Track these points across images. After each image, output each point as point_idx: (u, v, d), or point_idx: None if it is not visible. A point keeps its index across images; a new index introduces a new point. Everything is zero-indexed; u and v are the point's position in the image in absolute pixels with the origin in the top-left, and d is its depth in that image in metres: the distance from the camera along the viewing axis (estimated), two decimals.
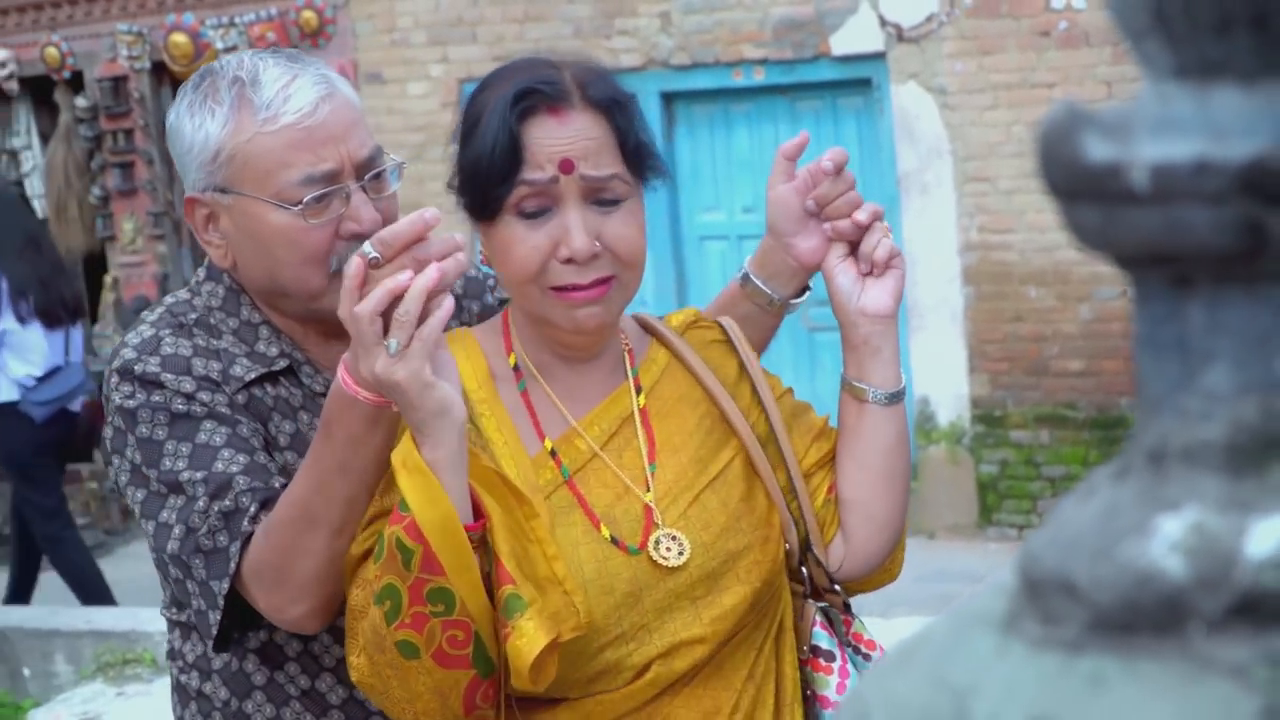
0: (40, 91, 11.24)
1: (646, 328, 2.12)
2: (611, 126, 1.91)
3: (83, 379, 7.22)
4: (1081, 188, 0.64)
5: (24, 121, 11.48)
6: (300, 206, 1.96)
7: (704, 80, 9.19)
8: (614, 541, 1.93)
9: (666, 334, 2.08)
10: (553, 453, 1.97)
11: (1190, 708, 0.58)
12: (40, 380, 7.12)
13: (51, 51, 10.91)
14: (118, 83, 10.93)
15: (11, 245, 6.98)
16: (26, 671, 7.63)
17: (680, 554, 1.93)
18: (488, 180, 1.87)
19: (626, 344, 2.06)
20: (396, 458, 1.77)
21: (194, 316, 2.09)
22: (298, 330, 2.12)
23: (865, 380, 2.09)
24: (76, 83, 11.07)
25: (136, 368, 2.00)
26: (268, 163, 1.96)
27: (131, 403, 1.99)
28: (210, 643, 1.96)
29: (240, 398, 2.03)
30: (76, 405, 7.28)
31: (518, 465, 1.93)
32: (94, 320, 11.40)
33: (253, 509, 1.92)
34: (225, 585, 1.91)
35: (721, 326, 2.14)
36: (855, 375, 2.10)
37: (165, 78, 10.98)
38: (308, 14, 10.42)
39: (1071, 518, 0.66)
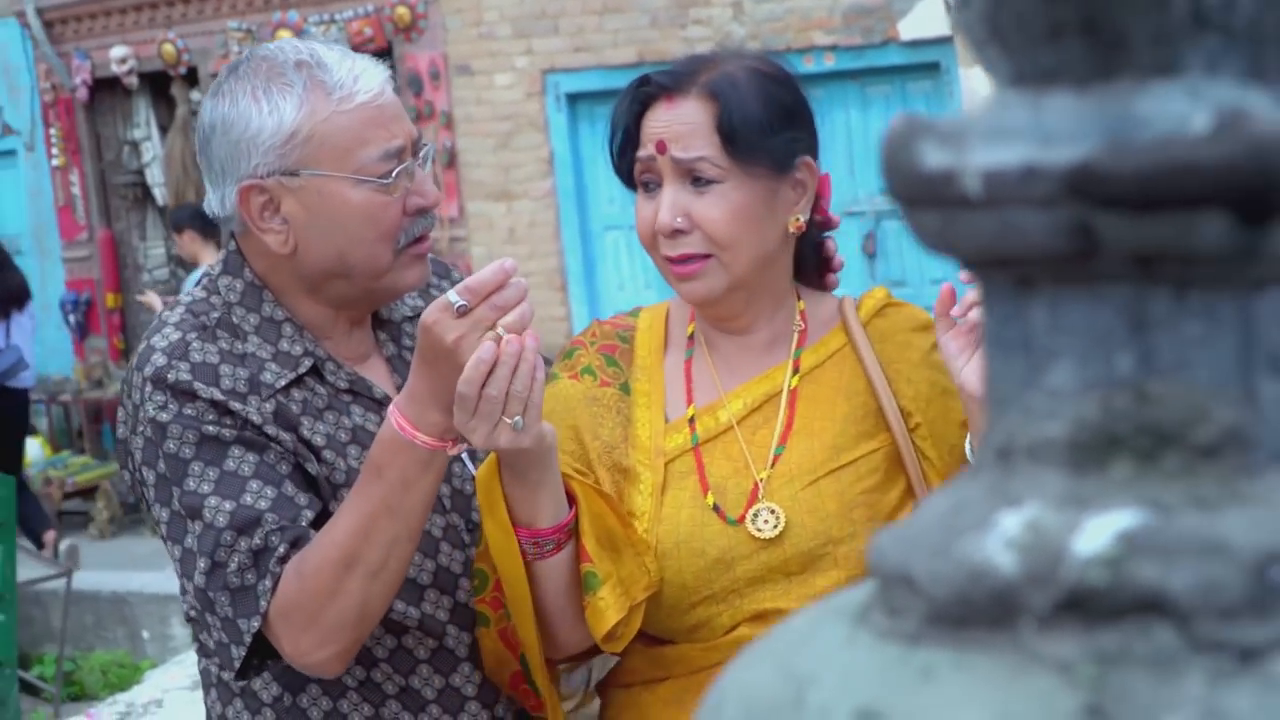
0: (158, 86, 11.41)
1: (841, 312, 2.10)
2: (715, 113, 1.94)
3: (19, 358, 7.75)
4: (920, 194, 0.62)
5: (143, 114, 11.67)
6: (385, 179, 1.93)
7: None
8: (715, 509, 1.97)
9: (851, 321, 2.06)
10: (691, 419, 2.03)
11: (1013, 701, 0.56)
12: None
13: (168, 48, 11.07)
14: None
15: None
16: (145, 634, 7.80)
17: (775, 528, 1.95)
18: (616, 154, 2.02)
19: (801, 324, 2.06)
20: (486, 506, 1.90)
21: (215, 316, 2.00)
22: (323, 324, 2.04)
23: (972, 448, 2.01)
24: (191, 77, 11.22)
25: (170, 376, 1.90)
26: (346, 140, 1.91)
27: (165, 415, 1.89)
28: (232, 673, 1.89)
29: (269, 405, 1.93)
30: (19, 382, 7.80)
31: (651, 430, 2.03)
32: None
33: (282, 549, 1.83)
34: (255, 624, 1.83)
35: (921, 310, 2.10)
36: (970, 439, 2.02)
37: None
38: (401, 10, 10.48)
39: (924, 513, 0.64)
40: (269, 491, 1.87)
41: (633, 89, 2.01)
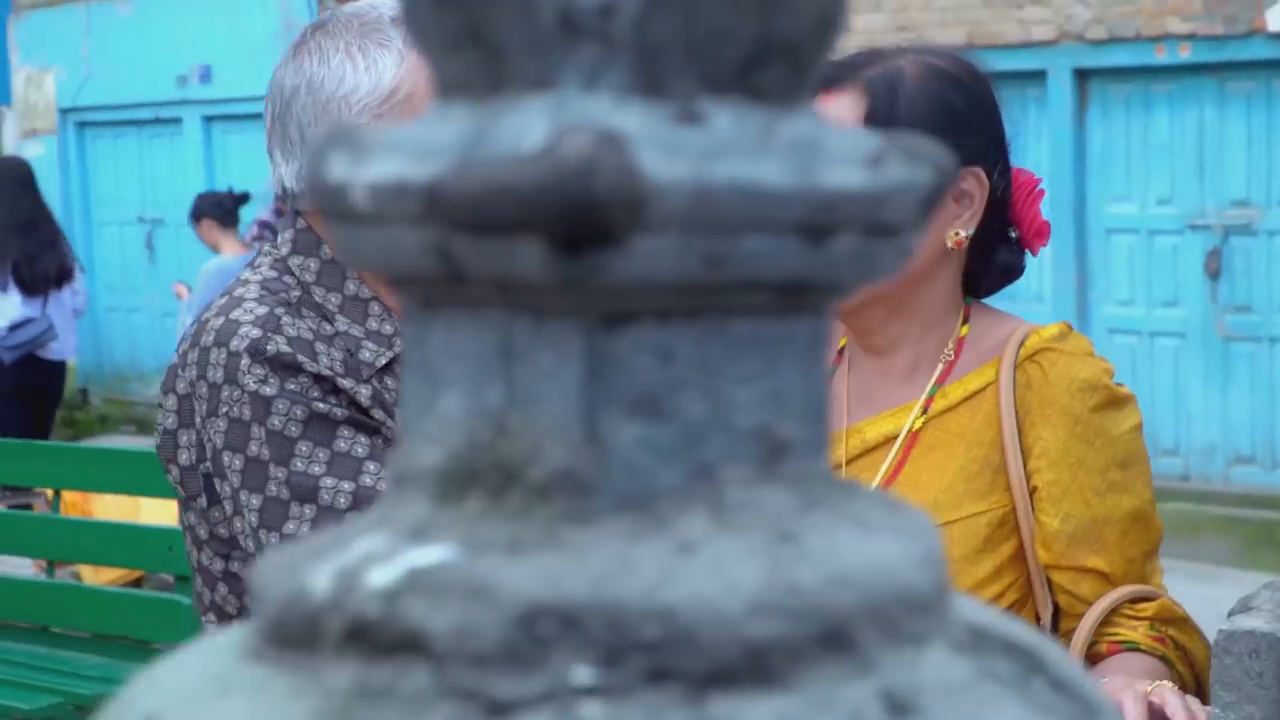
0: None
1: (1005, 345, 2.03)
2: (866, 110, 1.94)
3: (47, 327, 8.79)
4: (328, 206, 0.68)
5: None
6: None
7: (1122, 56, 8.87)
8: None
9: (1006, 359, 1.99)
10: None
11: None
12: (11, 330, 8.91)
13: None
14: None
15: (12, 223, 8.66)
16: None
17: None
18: None
19: (951, 354, 2.02)
20: None
21: (296, 295, 2.01)
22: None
23: None
24: None
25: (268, 348, 1.90)
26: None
27: (268, 389, 1.89)
28: None
29: (365, 389, 1.95)
30: (50, 353, 8.92)
31: None
32: None
33: None
34: None
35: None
36: None
37: None
38: None
39: (329, 533, 0.70)
40: (386, 474, 1.86)
41: None
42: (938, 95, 1.96)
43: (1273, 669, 1.94)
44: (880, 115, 1.93)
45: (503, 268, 0.62)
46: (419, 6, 0.67)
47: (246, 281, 2.04)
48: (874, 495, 0.69)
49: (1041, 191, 2.07)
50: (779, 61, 0.64)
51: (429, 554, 0.63)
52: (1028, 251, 2.09)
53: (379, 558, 0.64)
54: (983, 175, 1.98)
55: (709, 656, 0.60)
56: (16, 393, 8.91)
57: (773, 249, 0.63)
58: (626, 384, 0.64)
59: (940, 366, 2.01)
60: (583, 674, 0.60)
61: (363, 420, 1.92)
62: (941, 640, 0.66)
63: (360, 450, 1.90)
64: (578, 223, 0.59)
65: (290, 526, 1.88)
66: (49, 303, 9.05)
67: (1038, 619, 2.00)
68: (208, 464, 1.96)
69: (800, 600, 0.61)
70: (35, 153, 13.29)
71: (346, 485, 1.88)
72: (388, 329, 2.01)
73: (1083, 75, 9.08)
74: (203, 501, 2.00)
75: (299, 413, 1.89)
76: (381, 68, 1.96)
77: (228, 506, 1.96)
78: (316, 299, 2.01)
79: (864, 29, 9.95)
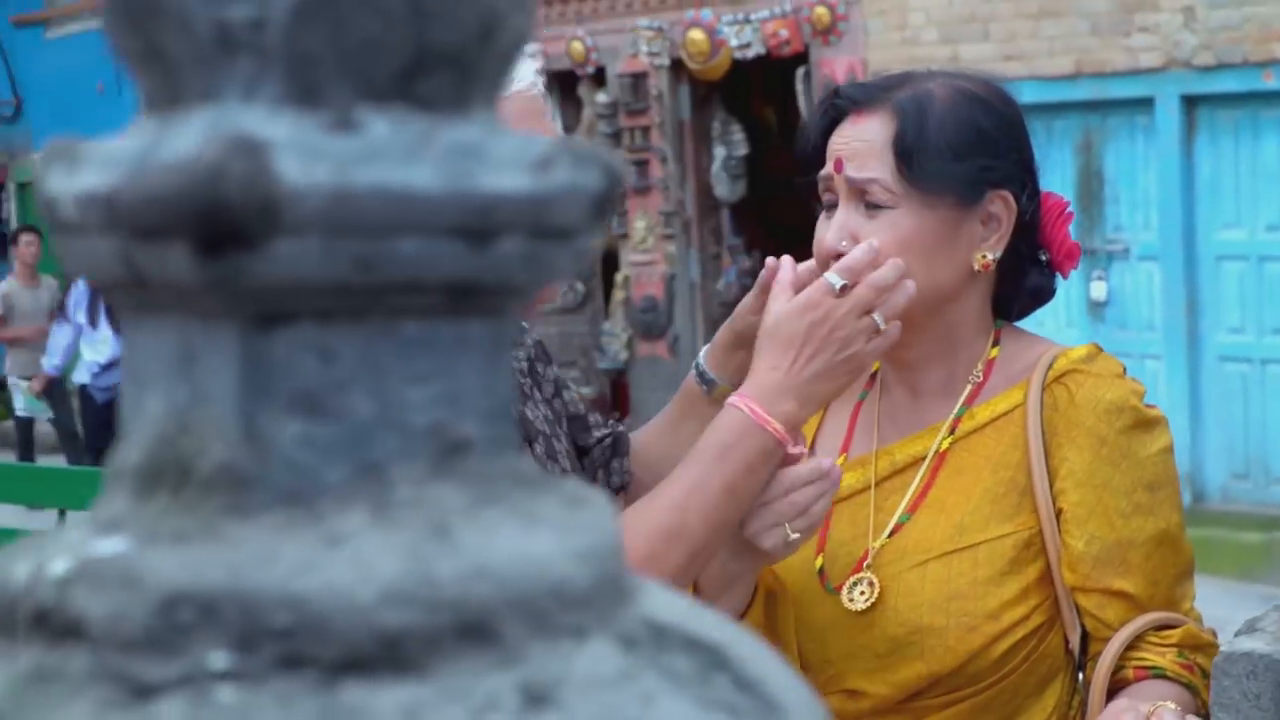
0: (565, 86, 12.03)
1: (1037, 366, 2.04)
2: (895, 132, 1.96)
3: None
4: (49, 219, 0.71)
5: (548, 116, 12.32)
6: None
7: (1230, 82, 8.72)
8: (820, 573, 2.01)
9: (1034, 380, 2.00)
10: None
11: None
12: (104, 368, 9.26)
13: (577, 46, 11.68)
14: (637, 79, 11.55)
15: None
16: None
17: (867, 600, 1.96)
18: (803, 171, 2.05)
19: (979, 376, 2.03)
20: None
21: None
22: None
23: None
24: (599, 78, 11.78)
25: None
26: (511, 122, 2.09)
27: None
28: None
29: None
30: None
31: None
32: (605, 316, 12.07)
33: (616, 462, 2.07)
34: None
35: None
36: None
37: (683, 75, 11.51)
38: (820, 10, 10.66)
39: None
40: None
41: (824, 101, 2.05)
42: (966, 118, 1.96)
43: (1270, 690, 1.90)
44: (909, 137, 1.94)
45: (165, 272, 0.65)
46: (113, 30, 0.70)
47: None
48: (560, 492, 0.70)
49: (1070, 214, 2.06)
50: (441, 70, 0.66)
51: (105, 545, 0.66)
52: (1059, 274, 2.08)
53: (66, 549, 0.67)
54: (1010, 198, 1.97)
55: (341, 644, 0.62)
56: (109, 430, 9.29)
57: (430, 252, 0.65)
58: (286, 383, 0.66)
59: (969, 388, 2.01)
60: (218, 659, 0.62)
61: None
62: (605, 634, 0.67)
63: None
64: (213, 226, 0.62)
65: None
66: None
67: (1066, 642, 1.99)
68: None
69: (436, 591, 0.63)
70: None
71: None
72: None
73: (1190, 102, 8.94)
74: None
75: None
76: None
77: None
78: None
79: (973, 58, 9.89)
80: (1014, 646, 1.94)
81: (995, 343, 2.04)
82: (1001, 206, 1.97)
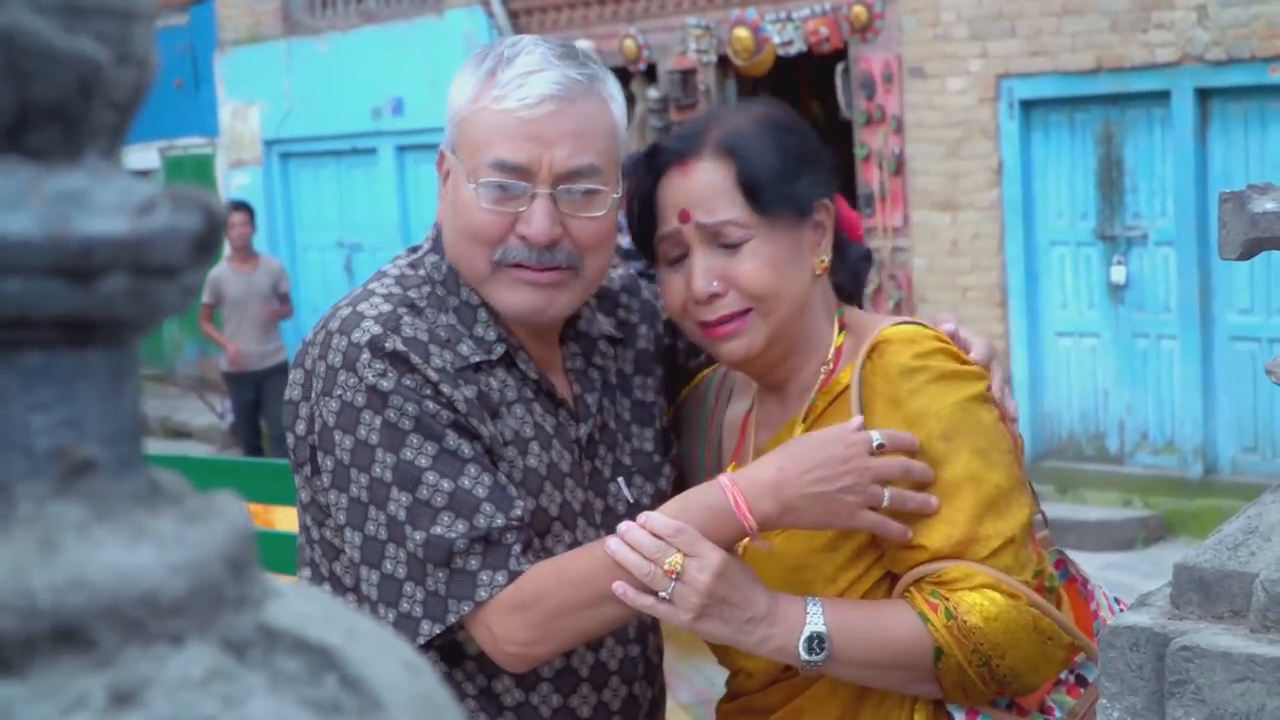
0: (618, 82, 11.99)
1: (864, 345, 2.05)
2: (734, 170, 1.99)
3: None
4: None
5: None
6: (475, 184, 2.00)
7: (1239, 76, 8.60)
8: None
9: (858, 359, 2.02)
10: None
11: None
12: None
13: (629, 43, 11.66)
14: (686, 76, 11.52)
15: None
16: None
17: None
18: (638, 236, 2.07)
19: (830, 364, 2.05)
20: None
21: (426, 291, 2.06)
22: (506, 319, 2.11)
23: None
24: (650, 74, 11.76)
25: (387, 344, 1.95)
26: (479, 136, 2.00)
27: (385, 383, 1.94)
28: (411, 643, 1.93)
29: (470, 391, 1.99)
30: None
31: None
32: None
33: (517, 548, 1.93)
34: (465, 609, 1.92)
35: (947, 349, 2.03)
36: None
37: (729, 71, 11.47)
38: (858, 9, 10.59)
39: None
40: (485, 479, 1.94)
41: (645, 159, 2.04)
42: (783, 143, 2.01)
43: (1151, 661, 1.89)
44: (751, 172, 1.97)
45: None
46: None
47: (384, 275, 2.09)
48: (182, 510, 0.72)
49: (840, 192, 2.11)
50: (48, 124, 0.68)
51: None
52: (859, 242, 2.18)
53: None
54: (829, 204, 2.05)
55: None
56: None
57: (35, 291, 0.67)
58: None
59: (821, 377, 2.04)
60: None
61: (464, 425, 1.97)
62: (206, 639, 0.68)
63: (466, 452, 1.95)
64: None
65: (393, 509, 1.93)
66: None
67: None
68: (315, 436, 2.00)
69: (30, 600, 0.65)
70: (241, 182, 13.76)
71: (446, 484, 1.92)
72: (491, 335, 2.06)
73: (1203, 95, 8.82)
74: (308, 470, 2.04)
75: (411, 409, 1.93)
76: (463, 91, 2.04)
77: (326, 479, 2.00)
78: (439, 294, 2.06)
79: (1001, 53, 9.80)
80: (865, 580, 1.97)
81: (841, 328, 2.07)
82: (824, 214, 2.05)
